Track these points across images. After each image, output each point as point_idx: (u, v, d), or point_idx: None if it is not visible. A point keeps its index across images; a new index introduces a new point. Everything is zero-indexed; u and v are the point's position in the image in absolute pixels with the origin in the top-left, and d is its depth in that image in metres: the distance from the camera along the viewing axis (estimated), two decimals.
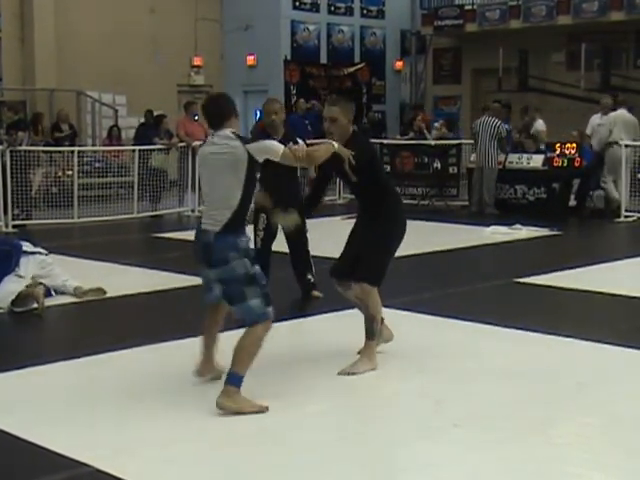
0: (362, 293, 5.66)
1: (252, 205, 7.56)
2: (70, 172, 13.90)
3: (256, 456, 4.32)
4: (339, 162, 5.30)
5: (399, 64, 23.27)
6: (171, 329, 6.72)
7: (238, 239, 4.90)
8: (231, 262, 4.86)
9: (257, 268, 4.96)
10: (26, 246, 8.03)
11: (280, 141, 7.73)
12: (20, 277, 7.65)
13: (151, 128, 15.42)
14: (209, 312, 5.31)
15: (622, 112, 14.24)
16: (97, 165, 15.58)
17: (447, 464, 4.18)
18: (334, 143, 5.27)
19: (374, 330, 5.67)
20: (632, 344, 6.25)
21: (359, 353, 5.73)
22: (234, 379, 4.82)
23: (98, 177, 15.25)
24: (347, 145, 5.41)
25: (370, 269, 5.65)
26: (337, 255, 9.77)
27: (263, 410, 4.84)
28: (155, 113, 16.07)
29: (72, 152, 14.10)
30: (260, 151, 4.95)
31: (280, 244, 7.99)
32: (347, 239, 5.95)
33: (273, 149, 4.99)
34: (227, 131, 4.97)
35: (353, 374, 5.55)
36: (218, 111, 5.02)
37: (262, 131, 8.38)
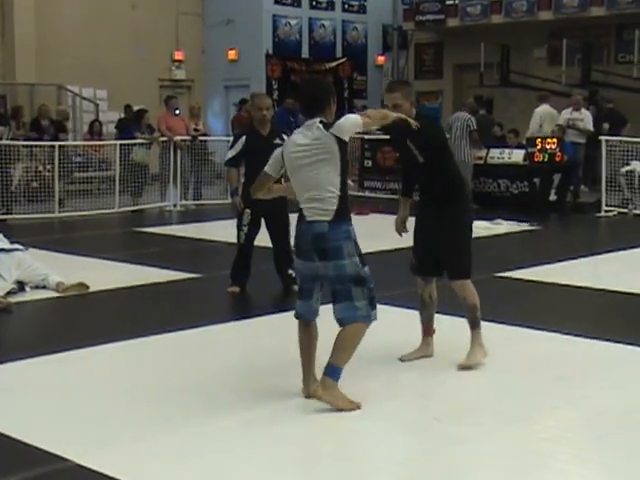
0: (460, 289, 5.67)
1: (239, 199, 7.66)
2: (51, 167, 13.83)
3: (238, 450, 4.31)
4: (405, 133, 5.18)
5: (381, 59, 23.27)
6: (153, 324, 6.71)
7: (349, 227, 4.78)
8: (345, 258, 4.72)
9: (367, 269, 4.84)
10: (2, 242, 7.97)
11: (267, 137, 7.81)
12: None
13: (131, 122, 15.34)
14: (304, 332, 5.01)
15: (547, 107, 14.72)
16: (78, 160, 15.49)
17: (428, 458, 4.19)
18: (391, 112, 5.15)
19: (478, 319, 5.68)
20: (613, 338, 6.28)
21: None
22: (332, 372, 4.70)
23: (79, 172, 15.16)
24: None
25: (463, 266, 5.63)
26: None
27: (357, 407, 4.72)
28: (136, 108, 16.00)
29: (53, 147, 14.02)
30: (344, 130, 4.75)
31: (262, 238, 7.99)
32: (418, 230, 5.75)
33: (355, 123, 4.81)
34: (317, 120, 4.77)
35: (473, 366, 5.56)
36: (310, 100, 4.84)
37: (248, 125, 8.38)
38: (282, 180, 7.96)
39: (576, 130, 14.81)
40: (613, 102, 15.46)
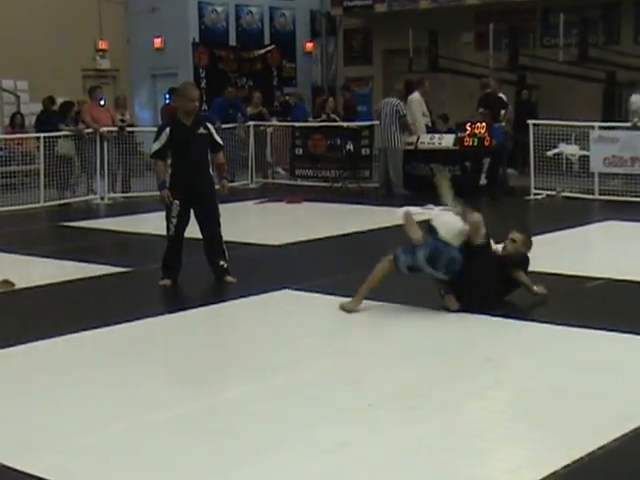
0: None
1: (167, 192, 7.56)
2: None
3: (170, 444, 4.25)
4: None
5: (309, 46, 23.16)
6: (81, 320, 6.58)
7: None
8: None
9: None
10: None
11: (191, 127, 7.69)
12: None
13: (55, 115, 14.96)
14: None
15: (415, 94, 14.89)
16: (0, 154, 15.06)
17: (361, 443, 4.20)
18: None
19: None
20: (539, 319, 6.42)
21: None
22: None
23: (1, 166, 14.74)
24: None
25: None
26: (251, 240, 9.85)
27: None
28: (62, 99, 15.62)
29: None
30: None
31: (193, 230, 7.90)
32: None
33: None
34: None
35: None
36: None
37: (172, 116, 8.28)
38: (167, 161, 7.92)
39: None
40: (490, 87, 15.61)
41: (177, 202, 7.71)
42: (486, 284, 6.59)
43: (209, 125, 7.93)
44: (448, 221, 6.54)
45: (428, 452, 4.10)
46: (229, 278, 7.84)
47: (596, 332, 6.02)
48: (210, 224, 7.86)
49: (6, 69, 18.06)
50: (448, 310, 6.51)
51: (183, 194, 7.72)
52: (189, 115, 7.74)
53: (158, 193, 7.94)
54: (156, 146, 7.79)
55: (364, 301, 6.75)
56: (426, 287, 6.71)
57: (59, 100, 15.69)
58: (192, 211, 7.83)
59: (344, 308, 6.59)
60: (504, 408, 4.70)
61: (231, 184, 11.14)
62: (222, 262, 7.87)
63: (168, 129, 7.76)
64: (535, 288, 6.89)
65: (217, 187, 8.05)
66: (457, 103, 18.61)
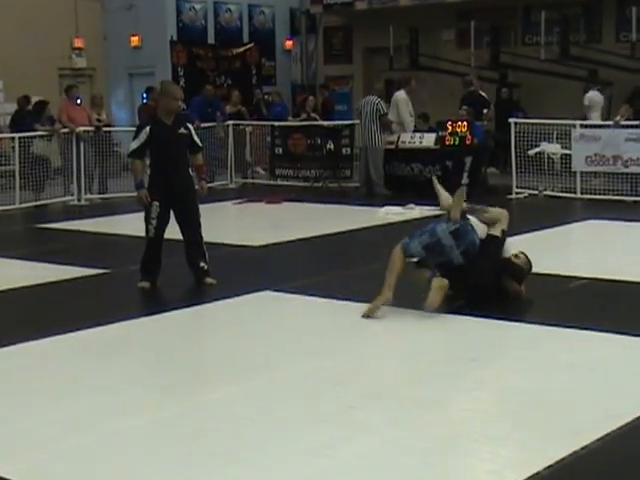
0: None
1: (145, 192, 7.43)
2: None
3: (152, 447, 4.18)
4: None
5: (289, 44, 23.02)
6: (59, 323, 6.48)
7: None
8: None
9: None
10: None
11: (172, 126, 7.56)
12: None
13: (30, 114, 14.73)
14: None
15: (401, 93, 14.82)
16: None
17: (343, 445, 4.16)
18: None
19: None
20: (523, 319, 6.39)
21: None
22: None
23: None
24: None
25: None
26: (231, 241, 9.73)
27: None
28: (36, 99, 15.40)
29: None
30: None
31: (173, 231, 7.80)
32: None
33: None
34: None
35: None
36: None
37: (151, 115, 8.16)
38: (145, 161, 7.79)
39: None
40: (473, 85, 15.53)
41: (157, 203, 7.60)
42: (483, 272, 6.57)
43: (190, 126, 7.83)
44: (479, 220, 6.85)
45: (411, 453, 4.07)
46: (209, 279, 7.73)
47: (580, 332, 6.00)
48: (190, 225, 7.75)
49: None
50: (433, 301, 6.40)
51: (162, 194, 7.60)
52: (170, 114, 7.63)
53: (135, 194, 7.81)
54: (134, 145, 7.66)
55: (349, 302, 6.72)
56: (412, 288, 6.62)
57: (34, 99, 15.46)
58: (172, 212, 7.71)
59: (380, 305, 6.38)
60: (488, 408, 4.69)
61: (210, 184, 11.02)
62: (202, 263, 7.76)
63: (148, 128, 7.64)
64: (522, 292, 6.86)
65: (196, 187, 7.94)
66: (438, 102, 18.53)
